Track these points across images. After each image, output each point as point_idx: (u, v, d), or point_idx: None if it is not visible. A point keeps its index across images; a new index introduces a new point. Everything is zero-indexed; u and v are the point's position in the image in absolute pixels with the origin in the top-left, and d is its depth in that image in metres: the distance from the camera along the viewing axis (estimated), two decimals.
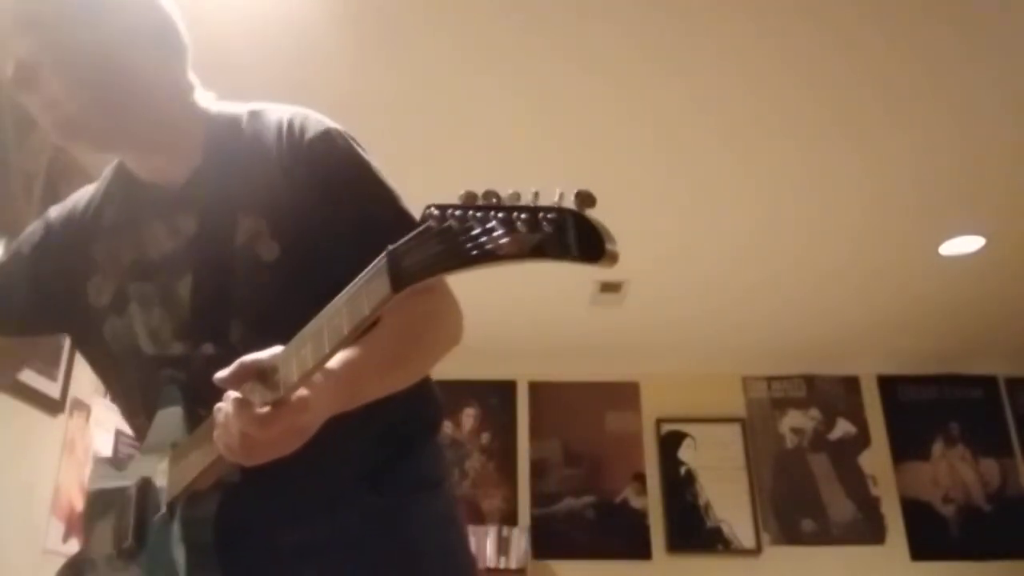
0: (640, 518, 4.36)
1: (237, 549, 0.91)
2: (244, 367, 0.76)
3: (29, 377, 2.35)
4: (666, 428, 4.54)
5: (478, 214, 0.57)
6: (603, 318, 3.96)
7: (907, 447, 4.51)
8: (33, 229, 1.13)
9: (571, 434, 4.52)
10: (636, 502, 4.40)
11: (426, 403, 1.06)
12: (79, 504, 2.60)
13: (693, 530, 4.34)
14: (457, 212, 0.58)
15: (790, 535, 4.33)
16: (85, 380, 2.66)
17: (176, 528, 0.90)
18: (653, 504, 4.39)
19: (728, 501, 4.38)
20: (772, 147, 2.70)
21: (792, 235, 3.26)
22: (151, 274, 1.00)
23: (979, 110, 2.51)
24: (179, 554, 0.89)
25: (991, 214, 3.10)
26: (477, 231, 0.57)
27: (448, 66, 2.31)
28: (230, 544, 0.90)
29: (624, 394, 4.61)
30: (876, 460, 4.48)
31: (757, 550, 4.28)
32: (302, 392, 0.75)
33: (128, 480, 1.01)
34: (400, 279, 0.64)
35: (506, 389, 4.63)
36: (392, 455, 1.01)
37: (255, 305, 0.95)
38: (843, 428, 4.57)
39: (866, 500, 4.39)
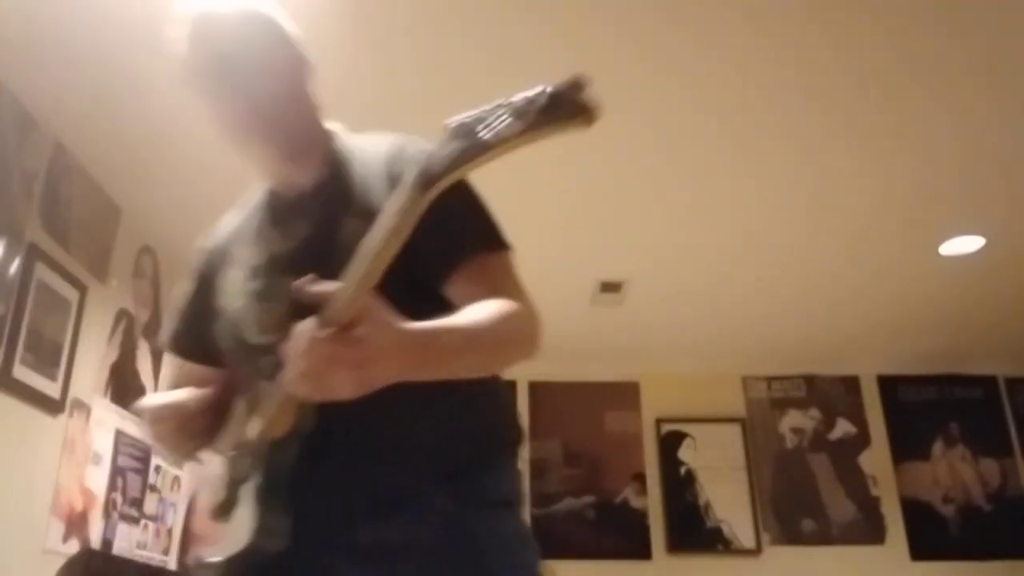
0: (640, 518, 4.36)
1: (314, 540, 0.98)
2: (317, 286, 0.83)
3: (29, 377, 2.35)
4: (666, 428, 4.54)
5: (487, 108, 0.66)
6: (603, 318, 3.96)
7: (907, 447, 4.51)
8: (192, 260, 1.28)
9: (571, 434, 4.52)
10: (636, 502, 4.40)
11: (509, 424, 1.13)
12: (79, 504, 2.60)
13: (693, 530, 4.34)
14: (470, 114, 0.67)
15: (790, 535, 4.33)
16: (85, 380, 2.66)
17: (254, 472, 0.99)
18: (653, 504, 4.39)
19: (728, 501, 4.38)
20: (773, 147, 2.70)
21: (792, 235, 3.26)
22: (263, 272, 1.12)
23: (980, 111, 2.51)
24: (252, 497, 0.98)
25: (991, 214, 3.10)
26: (489, 120, 0.65)
27: (449, 67, 2.31)
28: (308, 535, 0.97)
29: (624, 394, 4.61)
30: (876, 460, 4.48)
31: (757, 550, 4.28)
32: (357, 318, 0.80)
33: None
34: (428, 181, 0.70)
35: None
36: (474, 465, 1.05)
37: None
38: (843, 428, 4.57)
39: (866, 500, 4.39)
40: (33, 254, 2.40)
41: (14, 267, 2.31)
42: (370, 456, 1.00)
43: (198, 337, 1.22)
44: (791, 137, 2.64)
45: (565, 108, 0.65)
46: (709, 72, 2.34)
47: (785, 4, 2.10)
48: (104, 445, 2.77)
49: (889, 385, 4.64)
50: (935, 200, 3.00)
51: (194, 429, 1.11)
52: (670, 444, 4.51)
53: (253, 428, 1.00)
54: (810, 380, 4.67)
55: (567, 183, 2.84)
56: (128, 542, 2.90)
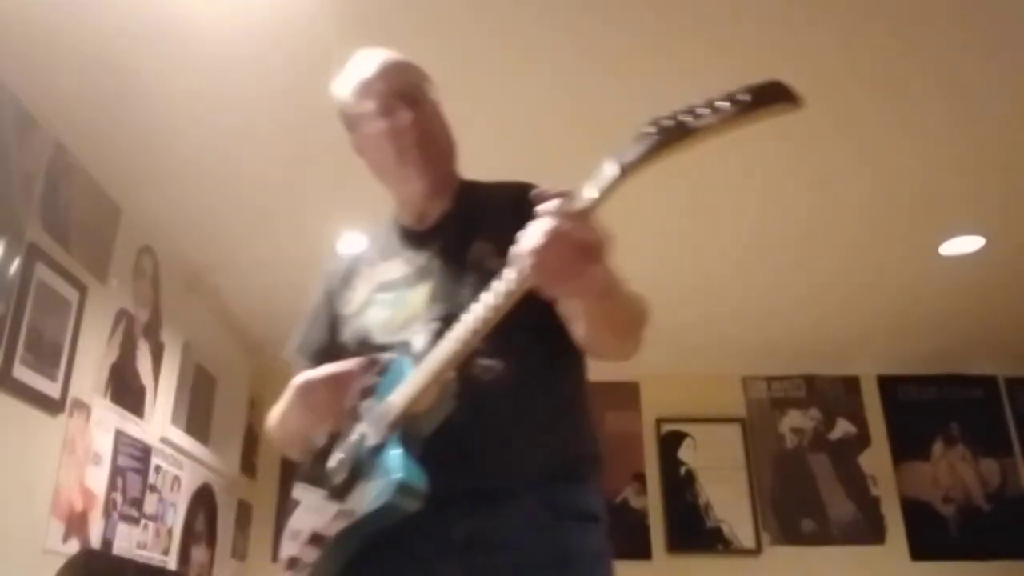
0: (640, 518, 4.36)
1: (414, 528, 1.03)
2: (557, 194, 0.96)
3: (29, 377, 2.35)
4: (666, 428, 4.54)
5: (685, 108, 0.79)
6: None
7: (907, 447, 4.51)
8: (321, 278, 1.43)
9: None
10: (636, 502, 4.40)
11: (596, 448, 1.22)
12: (79, 504, 2.60)
13: (693, 530, 4.34)
14: (668, 115, 0.79)
15: (790, 535, 4.33)
16: (85, 380, 2.66)
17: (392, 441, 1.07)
18: (653, 504, 4.39)
19: (728, 501, 4.38)
20: (772, 147, 2.69)
21: (792, 235, 3.26)
22: (393, 286, 1.26)
23: (979, 110, 2.51)
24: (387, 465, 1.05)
25: (991, 214, 3.10)
26: (695, 111, 0.79)
27: (456, 65, 2.30)
28: (409, 523, 1.03)
29: (624, 394, 4.61)
30: (876, 460, 4.48)
31: (757, 550, 4.28)
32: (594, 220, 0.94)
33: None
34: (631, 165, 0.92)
35: None
36: (567, 476, 1.13)
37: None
38: (843, 428, 4.57)
39: (866, 500, 4.40)
40: (33, 254, 2.40)
41: (14, 267, 2.31)
42: (473, 453, 1.08)
43: (325, 343, 1.34)
44: (791, 138, 2.64)
45: (772, 94, 0.79)
46: (710, 73, 2.33)
47: (782, 1, 2.10)
48: (104, 445, 2.77)
49: (889, 385, 4.64)
50: (935, 200, 3.00)
51: (334, 405, 1.18)
52: (670, 444, 4.52)
53: (396, 401, 1.08)
54: (810, 380, 4.67)
55: (566, 184, 2.84)
56: (128, 542, 2.90)
